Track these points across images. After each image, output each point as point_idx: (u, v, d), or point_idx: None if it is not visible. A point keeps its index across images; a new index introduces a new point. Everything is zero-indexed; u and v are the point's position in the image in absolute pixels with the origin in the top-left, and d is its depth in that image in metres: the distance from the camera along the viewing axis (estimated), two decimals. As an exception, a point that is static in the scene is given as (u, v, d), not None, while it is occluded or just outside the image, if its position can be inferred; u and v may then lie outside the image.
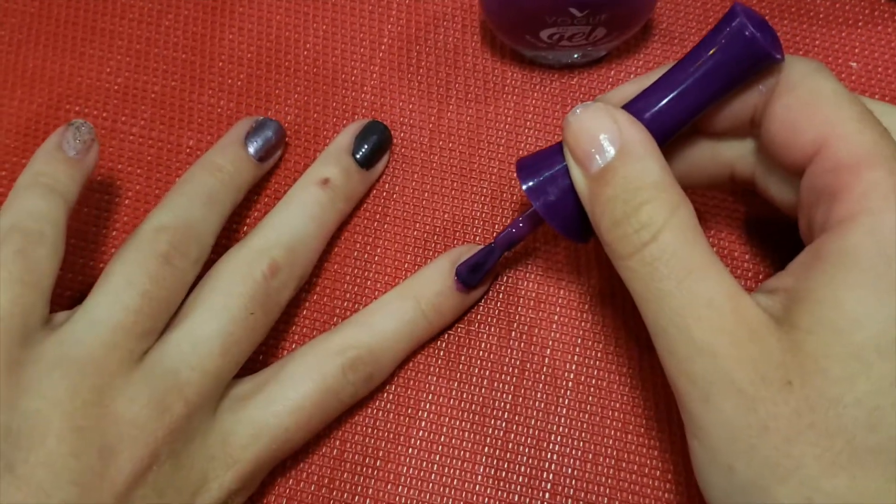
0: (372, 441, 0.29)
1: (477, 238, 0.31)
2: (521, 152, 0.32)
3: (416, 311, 0.29)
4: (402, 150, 0.33)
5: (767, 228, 0.31)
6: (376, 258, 0.31)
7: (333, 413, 0.28)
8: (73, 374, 0.24)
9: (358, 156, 0.31)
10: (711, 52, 0.23)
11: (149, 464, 0.24)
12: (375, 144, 0.31)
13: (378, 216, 0.32)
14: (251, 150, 0.31)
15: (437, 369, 0.30)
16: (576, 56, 0.33)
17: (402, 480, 0.28)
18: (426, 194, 0.32)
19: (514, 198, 0.32)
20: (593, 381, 0.29)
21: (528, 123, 0.33)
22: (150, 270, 0.26)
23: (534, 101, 0.33)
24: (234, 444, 0.26)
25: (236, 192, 0.30)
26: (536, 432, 0.29)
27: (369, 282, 0.31)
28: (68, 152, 0.28)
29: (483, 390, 0.29)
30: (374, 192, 0.32)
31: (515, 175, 0.30)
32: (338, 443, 0.29)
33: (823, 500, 0.20)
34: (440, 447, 0.29)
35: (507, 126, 0.33)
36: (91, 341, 0.24)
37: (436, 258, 0.30)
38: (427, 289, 0.29)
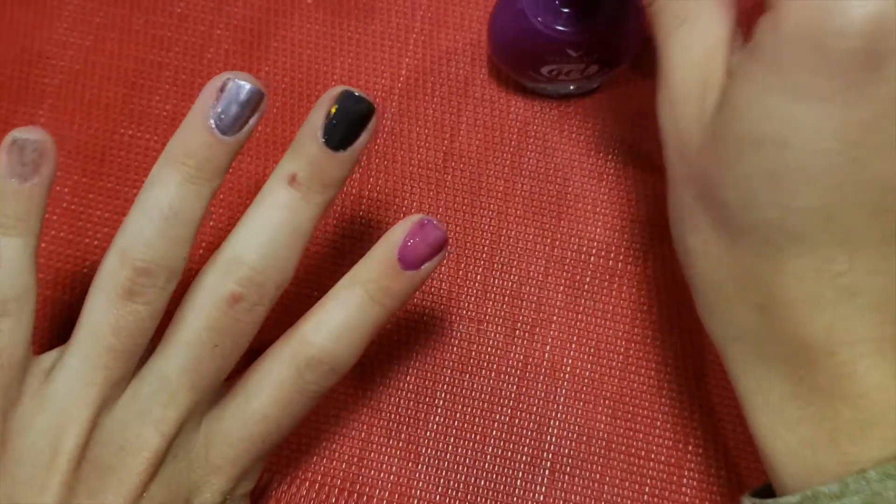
0: (395, 425, 0.33)
1: (485, 247, 0.35)
2: (524, 172, 0.37)
3: (364, 296, 0.28)
4: (419, 170, 0.37)
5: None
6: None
7: (310, 403, 0.28)
8: (54, 428, 0.26)
9: (328, 139, 0.27)
10: None
11: (136, 495, 0.26)
12: (348, 121, 0.27)
13: (398, 229, 0.36)
14: (217, 130, 0.26)
15: (451, 363, 0.34)
16: (572, 88, 0.37)
17: (421, 459, 0.33)
18: (440, 209, 0.36)
19: (519, 211, 0.36)
20: (587, 374, 0.34)
21: (530, 146, 0.37)
22: (111, 320, 0.26)
23: (535, 127, 0.37)
24: (213, 454, 0.28)
25: (208, 182, 0.26)
26: (537, 418, 0.33)
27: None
28: (10, 179, 0.25)
29: (491, 381, 0.34)
30: (391, 206, 0.36)
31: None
32: (364, 426, 0.33)
33: None
34: (454, 430, 0.33)
35: (511, 148, 0.37)
36: (65, 396, 0.26)
37: (376, 244, 0.29)
38: (370, 272, 0.28)
